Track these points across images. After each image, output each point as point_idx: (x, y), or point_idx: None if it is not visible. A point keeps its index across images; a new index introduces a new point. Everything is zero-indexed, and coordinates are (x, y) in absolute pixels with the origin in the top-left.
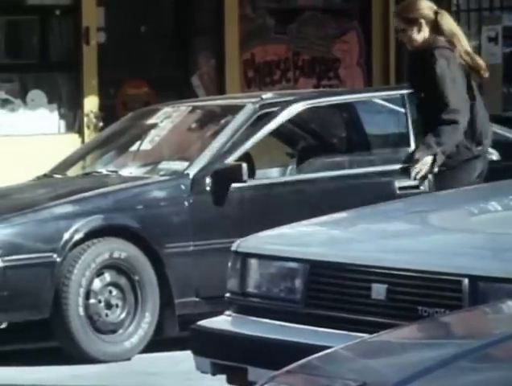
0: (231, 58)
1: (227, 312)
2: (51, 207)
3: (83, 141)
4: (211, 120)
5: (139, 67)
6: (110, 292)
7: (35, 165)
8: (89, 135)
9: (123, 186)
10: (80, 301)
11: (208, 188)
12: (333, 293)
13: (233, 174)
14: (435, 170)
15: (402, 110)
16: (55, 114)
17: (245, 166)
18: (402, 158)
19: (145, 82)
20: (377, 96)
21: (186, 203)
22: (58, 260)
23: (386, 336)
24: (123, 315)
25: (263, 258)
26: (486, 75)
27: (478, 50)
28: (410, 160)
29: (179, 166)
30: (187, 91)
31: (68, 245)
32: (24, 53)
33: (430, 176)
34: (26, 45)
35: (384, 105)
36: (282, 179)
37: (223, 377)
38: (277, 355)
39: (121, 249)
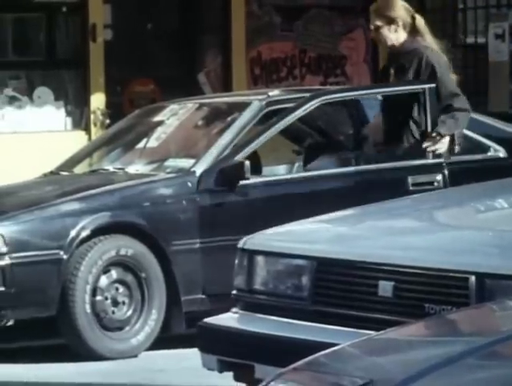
0: (237, 55)
1: (234, 309)
2: (58, 204)
3: (89, 139)
4: (217, 117)
5: (146, 65)
6: (117, 289)
7: (41, 162)
8: (96, 132)
9: (130, 183)
10: (87, 298)
11: (214, 185)
12: (340, 290)
13: (237, 171)
14: (457, 148)
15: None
16: (62, 111)
17: (247, 163)
18: (416, 154)
19: (151, 79)
20: (396, 91)
21: (192, 201)
22: (65, 257)
23: (392, 333)
24: (130, 312)
25: (270, 255)
26: None
27: (485, 47)
28: (429, 137)
29: (185, 163)
30: (194, 88)
31: (75, 242)
32: (31, 50)
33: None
34: (33, 42)
35: None
36: (290, 176)
37: (230, 374)
38: (284, 352)
39: (128, 246)
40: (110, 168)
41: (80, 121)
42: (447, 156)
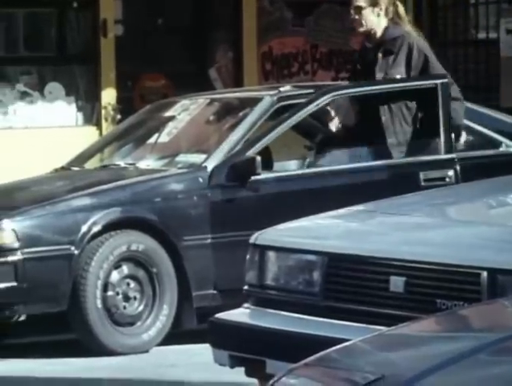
0: (249, 51)
1: (245, 305)
2: (69, 199)
3: (101, 134)
4: (229, 112)
5: (157, 60)
6: (128, 284)
7: (52, 157)
8: (107, 128)
9: (141, 178)
10: (98, 293)
11: (225, 181)
12: (351, 285)
13: (248, 166)
14: (462, 140)
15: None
16: (73, 107)
17: (258, 158)
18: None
19: (162, 75)
20: (407, 87)
21: (204, 196)
22: (76, 252)
23: (404, 329)
24: (141, 308)
25: (281, 251)
26: None
27: (497, 42)
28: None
29: (196, 158)
30: (205, 83)
31: (86, 238)
32: (42, 46)
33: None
34: (44, 38)
35: None
36: (301, 172)
37: (241, 370)
38: (295, 347)
39: (139, 242)
40: (121, 163)
41: (92, 116)
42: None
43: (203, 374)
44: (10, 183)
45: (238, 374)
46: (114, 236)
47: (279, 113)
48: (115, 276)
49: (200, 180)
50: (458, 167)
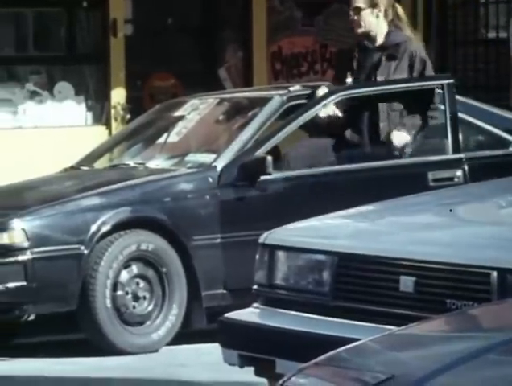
0: (258, 50)
1: (254, 304)
2: (79, 199)
3: (110, 134)
4: (238, 112)
5: (166, 60)
6: (137, 284)
7: (62, 157)
8: (116, 127)
9: (150, 178)
10: (108, 293)
11: (235, 181)
12: (361, 285)
13: (259, 166)
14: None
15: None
16: (83, 106)
17: (269, 158)
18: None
19: (172, 74)
20: (417, 86)
21: (213, 196)
22: (85, 252)
23: (414, 329)
24: (150, 307)
25: (291, 250)
26: None
27: (507, 42)
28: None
29: (206, 158)
30: (215, 83)
31: (96, 237)
32: (51, 45)
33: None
34: (53, 37)
35: None
36: (310, 171)
37: (251, 369)
38: (305, 347)
39: (149, 241)
40: (131, 163)
41: (101, 115)
42: None
43: (212, 373)
44: (20, 183)
45: (248, 373)
46: (124, 236)
47: (289, 113)
48: (124, 275)
49: (210, 180)
50: (466, 167)
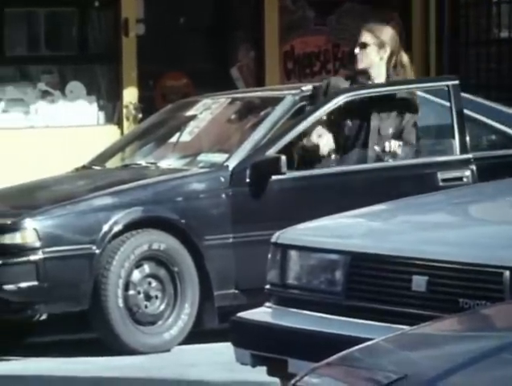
0: (271, 50)
1: (267, 304)
2: (91, 198)
3: (122, 133)
4: (250, 112)
5: (178, 59)
6: (149, 283)
7: (74, 156)
8: (128, 127)
9: (162, 178)
10: (120, 292)
11: (247, 180)
12: (374, 284)
13: (272, 166)
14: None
15: (447, 102)
16: (94, 106)
17: (283, 158)
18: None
19: (184, 74)
20: (422, 88)
21: (225, 195)
22: (97, 251)
23: (426, 328)
24: (162, 307)
25: (303, 250)
26: None
27: None
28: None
29: (218, 158)
30: (227, 83)
31: (108, 237)
32: (63, 45)
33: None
34: (65, 37)
35: (427, 97)
36: (322, 171)
37: (263, 369)
38: (317, 346)
39: (161, 241)
40: (143, 163)
41: (113, 115)
42: None
43: (225, 373)
44: (32, 182)
45: (260, 373)
46: (136, 235)
47: (301, 113)
48: (136, 275)
49: (222, 179)
50: (474, 167)
